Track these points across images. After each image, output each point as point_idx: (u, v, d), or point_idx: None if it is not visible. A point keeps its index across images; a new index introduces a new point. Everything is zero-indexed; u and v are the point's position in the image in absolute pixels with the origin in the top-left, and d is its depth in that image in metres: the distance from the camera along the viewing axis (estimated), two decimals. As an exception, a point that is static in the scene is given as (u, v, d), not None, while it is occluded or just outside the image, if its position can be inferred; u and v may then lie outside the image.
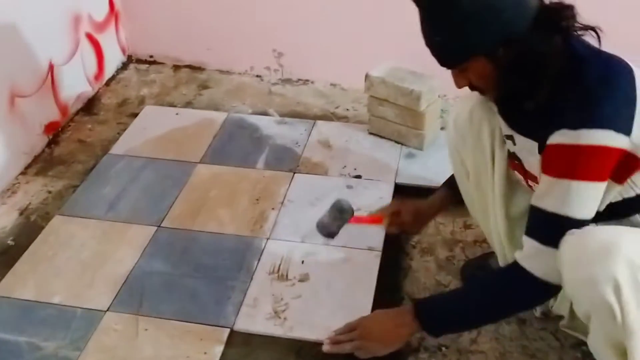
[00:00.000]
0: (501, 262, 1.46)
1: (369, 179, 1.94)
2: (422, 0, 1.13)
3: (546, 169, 1.15)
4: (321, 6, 2.33)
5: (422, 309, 1.27)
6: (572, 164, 1.11)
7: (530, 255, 1.17)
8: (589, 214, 1.12)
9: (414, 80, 1.96)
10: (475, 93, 1.32)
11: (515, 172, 1.34)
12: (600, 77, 1.10)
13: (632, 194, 1.19)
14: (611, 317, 1.05)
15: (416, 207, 1.58)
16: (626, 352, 1.12)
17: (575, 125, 1.09)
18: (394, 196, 1.87)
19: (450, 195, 1.56)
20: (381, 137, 2.10)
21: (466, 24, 1.10)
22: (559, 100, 1.12)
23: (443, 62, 1.18)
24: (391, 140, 2.08)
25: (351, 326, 1.33)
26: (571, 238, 1.09)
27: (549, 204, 1.14)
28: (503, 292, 1.23)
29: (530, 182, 1.29)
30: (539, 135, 1.17)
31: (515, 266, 1.19)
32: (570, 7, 1.13)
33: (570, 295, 1.12)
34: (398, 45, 2.02)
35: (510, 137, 1.30)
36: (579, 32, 1.14)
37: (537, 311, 1.49)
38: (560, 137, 1.11)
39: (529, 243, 1.17)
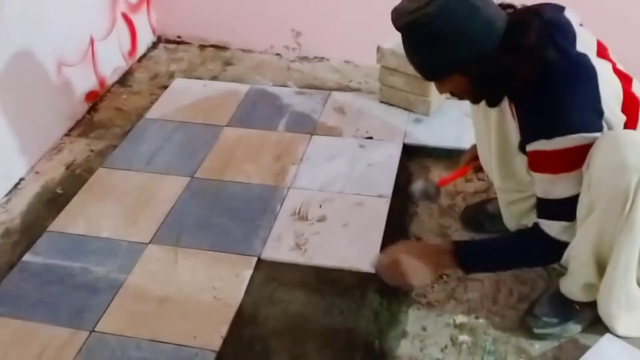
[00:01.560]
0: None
1: (379, 140, 2.14)
2: (401, 28, 1.30)
3: (540, 169, 1.31)
4: (336, -11, 2.54)
5: (461, 254, 1.41)
6: (561, 163, 1.28)
7: (563, 231, 1.34)
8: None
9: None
10: None
11: None
12: (564, 84, 1.25)
13: None
14: (621, 204, 1.22)
15: None
16: (599, 257, 1.32)
17: (549, 135, 1.26)
18: (402, 154, 2.07)
19: None
20: (391, 104, 2.31)
21: (439, 47, 1.27)
22: (531, 111, 1.28)
23: (424, 77, 1.38)
24: (400, 107, 2.28)
25: (389, 253, 1.45)
26: (613, 132, 1.24)
27: (559, 193, 1.31)
28: (533, 256, 1.43)
29: None
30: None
31: (550, 239, 1.35)
32: (537, 18, 1.28)
33: (593, 178, 1.24)
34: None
35: None
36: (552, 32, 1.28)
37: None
38: (540, 145, 1.28)
39: (556, 224, 1.34)
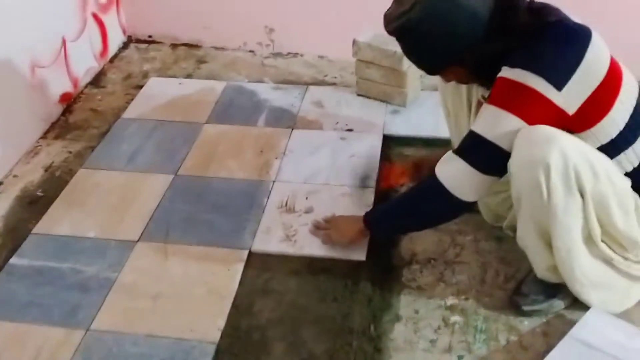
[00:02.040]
0: None
1: (359, 132, 2.18)
2: (391, 33, 1.37)
3: (489, 98, 1.34)
4: (308, -16, 2.57)
5: (368, 213, 1.62)
6: (503, 95, 1.30)
7: (444, 161, 1.40)
8: (507, 145, 1.30)
9: (397, 43, 2.20)
10: None
11: None
12: (555, 35, 1.29)
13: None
14: (539, 196, 1.28)
15: (431, 163, 1.80)
16: (548, 241, 1.37)
17: (514, 64, 1.29)
18: (382, 145, 2.11)
19: None
20: (368, 97, 2.34)
21: (429, 47, 1.34)
22: (516, 48, 1.31)
23: (425, 73, 1.44)
24: (377, 99, 2.32)
25: (326, 219, 1.74)
26: (524, 129, 1.28)
27: (476, 126, 1.34)
28: (418, 200, 1.49)
29: None
30: None
31: (432, 176, 1.42)
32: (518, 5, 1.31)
33: (512, 174, 1.32)
34: (380, 18, 2.26)
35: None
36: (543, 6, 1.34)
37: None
38: (501, 72, 1.31)
39: (448, 153, 1.40)
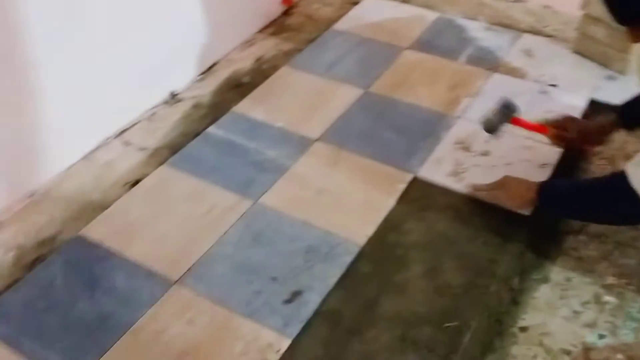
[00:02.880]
0: None
1: (564, 90, 2.03)
2: None
3: None
4: None
5: (544, 186, 1.50)
6: None
7: (637, 164, 1.25)
8: None
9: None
10: None
11: None
12: None
13: None
14: None
15: (584, 126, 1.68)
16: None
17: None
18: (586, 110, 1.96)
19: (620, 121, 1.63)
20: (585, 56, 2.16)
21: None
22: None
23: (616, 19, 1.28)
24: (594, 61, 2.13)
25: (498, 180, 1.62)
26: None
27: None
28: (605, 200, 1.35)
29: None
30: None
31: (621, 178, 1.27)
32: None
33: None
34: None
35: None
36: None
37: None
38: None
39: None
